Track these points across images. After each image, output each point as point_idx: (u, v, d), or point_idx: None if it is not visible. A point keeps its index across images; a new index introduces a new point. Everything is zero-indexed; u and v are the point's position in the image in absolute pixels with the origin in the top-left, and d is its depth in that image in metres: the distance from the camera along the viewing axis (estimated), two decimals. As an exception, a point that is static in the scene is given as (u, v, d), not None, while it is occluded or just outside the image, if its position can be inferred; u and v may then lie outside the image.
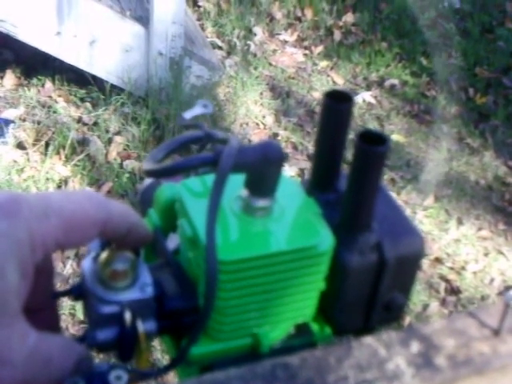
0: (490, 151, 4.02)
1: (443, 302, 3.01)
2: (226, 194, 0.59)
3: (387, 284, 0.64)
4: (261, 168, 0.59)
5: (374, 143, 0.57)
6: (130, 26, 3.59)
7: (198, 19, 4.62)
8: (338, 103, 0.62)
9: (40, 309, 0.59)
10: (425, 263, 3.13)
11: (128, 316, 0.58)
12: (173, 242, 0.68)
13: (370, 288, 0.64)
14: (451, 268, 3.18)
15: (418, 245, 0.65)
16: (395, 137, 3.99)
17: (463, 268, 3.20)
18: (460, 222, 3.46)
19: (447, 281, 3.11)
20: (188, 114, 0.70)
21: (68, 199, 0.56)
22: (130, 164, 3.30)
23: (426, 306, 2.96)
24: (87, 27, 3.50)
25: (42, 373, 0.53)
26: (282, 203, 0.63)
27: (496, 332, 0.65)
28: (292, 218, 0.63)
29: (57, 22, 3.41)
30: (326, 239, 0.61)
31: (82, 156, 3.30)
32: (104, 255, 0.59)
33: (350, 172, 0.60)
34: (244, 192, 0.62)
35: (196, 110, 0.71)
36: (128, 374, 0.54)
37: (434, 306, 2.97)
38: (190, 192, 0.64)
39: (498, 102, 4.46)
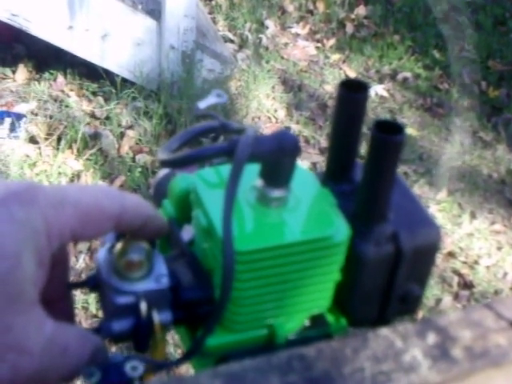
0: (503, 145, 4.00)
1: (456, 297, 3.00)
2: (240, 185, 0.58)
3: (403, 275, 0.64)
4: (276, 158, 0.59)
5: (389, 132, 0.57)
6: (142, 20, 3.59)
7: (210, 13, 4.62)
8: (353, 93, 0.62)
9: (55, 300, 0.59)
10: (438, 257, 3.11)
11: (143, 306, 0.58)
12: (187, 233, 0.68)
13: (386, 279, 0.64)
14: (464, 262, 3.17)
15: (435, 236, 0.65)
16: (408, 130, 3.97)
17: (476, 262, 3.19)
18: (473, 216, 3.45)
19: (460, 275, 3.10)
20: (202, 104, 0.70)
21: (84, 192, 0.56)
22: (142, 158, 3.30)
23: (438, 301, 2.95)
24: (99, 21, 3.50)
25: (59, 362, 0.53)
26: (297, 194, 0.63)
27: (513, 324, 0.64)
28: (307, 209, 0.63)
29: (69, 16, 3.41)
30: (341, 230, 0.61)
31: (94, 150, 3.30)
32: (119, 246, 0.59)
33: (366, 162, 0.59)
34: (259, 182, 0.61)
35: (210, 100, 0.71)
36: (144, 364, 0.54)
37: (447, 300, 2.96)
38: (205, 183, 0.63)
39: (511, 94, 4.43)
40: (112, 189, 0.59)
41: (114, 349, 2.05)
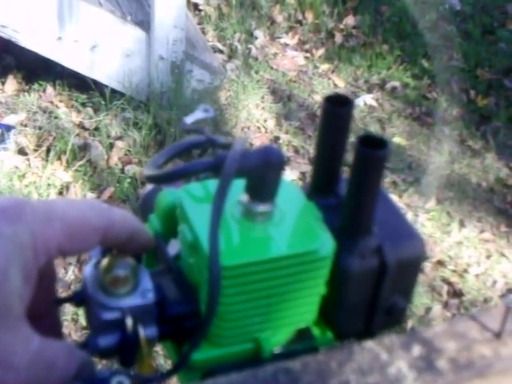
0: (492, 153, 4.01)
1: (446, 305, 3.01)
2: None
3: (388, 288, 0.64)
4: (261, 173, 0.59)
5: (374, 147, 0.57)
6: (131, 31, 3.60)
7: (199, 23, 4.62)
8: (337, 107, 0.63)
9: (42, 315, 0.60)
10: (427, 266, 3.13)
11: (129, 322, 0.58)
12: (174, 247, 0.68)
13: (371, 292, 0.64)
14: (454, 271, 3.18)
15: (419, 248, 0.65)
16: (397, 139, 3.99)
17: (465, 271, 3.19)
18: (462, 225, 3.46)
19: (450, 283, 3.11)
20: (189, 119, 0.70)
21: (71, 206, 0.56)
22: (131, 169, 3.30)
23: (428, 309, 2.96)
24: (88, 32, 3.51)
25: (45, 377, 0.53)
26: (282, 208, 0.63)
27: (497, 335, 0.65)
28: (293, 223, 0.63)
29: (58, 28, 3.42)
30: (326, 243, 0.61)
31: (83, 161, 3.30)
32: (105, 261, 0.59)
33: (350, 176, 0.60)
34: (244, 197, 0.62)
35: (197, 115, 0.71)
36: (130, 379, 0.54)
37: (437, 308, 2.97)
38: (191, 197, 0.64)
39: (500, 103, 4.45)
40: (99, 202, 0.59)
41: (104, 362, 2.04)
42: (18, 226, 0.51)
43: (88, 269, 0.60)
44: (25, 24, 3.37)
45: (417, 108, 4.37)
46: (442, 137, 4.08)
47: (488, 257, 3.30)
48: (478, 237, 3.40)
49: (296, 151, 3.72)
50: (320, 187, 0.67)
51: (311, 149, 3.72)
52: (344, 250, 0.62)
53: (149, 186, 0.77)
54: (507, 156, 4.01)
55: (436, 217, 3.45)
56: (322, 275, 0.62)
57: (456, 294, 3.07)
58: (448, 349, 0.63)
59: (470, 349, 0.64)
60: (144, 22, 3.67)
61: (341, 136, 0.65)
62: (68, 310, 2.60)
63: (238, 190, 0.62)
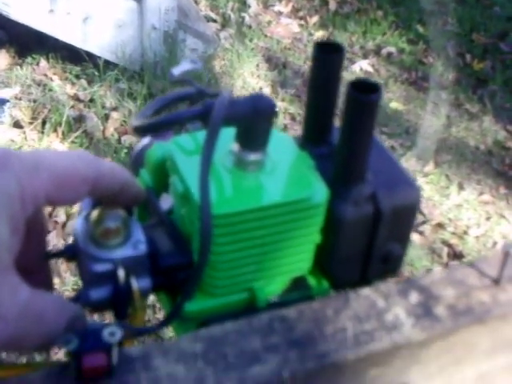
0: (489, 116, 4.00)
1: (446, 267, 3.01)
2: (216, 150, 0.58)
3: (383, 235, 0.64)
4: (251, 121, 0.58)
5: (366, 92, 0.57)
6: (123, 1, 3.56)
7: (192, -7, 4.59)
8: (328, 54, 0.62)
9: (33, 270, 0.59)
10: (427, 229, 3.13)
11: (121, 273, 0.57)
12: (166, 202, 0.67)
13: (367, 240, 0.64)
14: (453, 233, 3.18)
15: (414, 194, 0.65)
16: (393, 104, 3.97)
17: (465, 233, 3.19)
18: (461, 188, 3.46)
19: (449, 246, 3.11)
20: (177, 70, 0.69)
21: (59, 156, 0.55)
22: (127, 139, 3.28)
23: (429, 271, 2.96)
24: (80, 4, 3.47)
25: (34, 329, 0.52)
26: (274, 157, 0.63)
27: (496, 281, 0.64)
28: (285, 172, 0.63)
29: (49, 0, 3.39)
30: (319, 191, 0.61)
31: (79, 133, 3.28)
32: (95, 213, 0.59)
33: (343, 122, 0.59)
34: (235, 146, 0.61)
35: (184, 66, 0.70)
36: (122, 330, 0.54)
37: (437, 270, 2.96)
38: (181, 149, 0.63)
39: (496, 67, 4.43)
40: (87, 153, 0.58)
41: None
42: (4, 175, 0.51)
43: (79, 222, 0.60)
44: (16, -3, 3.35)
45: (413, 73, 4.35)
46: (439, 101, 4.07)
47: (488, 218, 3.30)
48: (477, 199, 3.40)
49: (293, 118, 3.71)
50: (312, 136, 0.66)
51: (308, 116, 3.70)
52: (338, 198, 0.61)
53: (139, 145, 0.77)
54: (504, 118, 4.00)
55: (435, 180, 3.44)
56: (316, 223, 0.62)
57: (456, 255, 3.07)
58: (446, 295, 0.63)
59: (468, 295, 0.63)
60: (136, -8, 3.64)
61: (332, 84, 0.64)
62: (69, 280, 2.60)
63: (229, 139, 0.61)
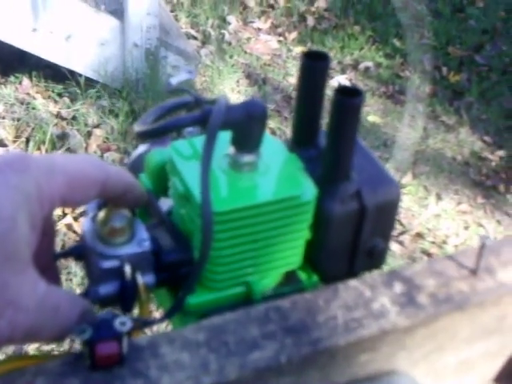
0: (466, 127, 4.07)
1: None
2: (214, 153, 0.62)
3: (368, 230, 0.68)
4: (245, 124, 0.63)
5: (350, 96, 0.62)
6: (105, 20, 3.60)
7: (172, 10, 4.64)
8: (315, 62, 0.67)
9: (43, 269, 0.62)
10: (406, 239, 3.17)
11: (128, 269, 0.61)
12: (164, 204, 0.72)
13: (353, 235, 0.68)
14: (432, 242, 3.23)
15: (395, 192, 0.69)
16: (371, 118, 4.03)
17: (444, 242, 3.25)
18: (439, 198, 3.51)
19: (429, 255, 3.15)
20: (174, 80, 0.73)
21: (70, 160, 0.59)
22: (110, 156, 3.31)
23: (410, 264, 2.98)
24: (63, 23, 3.51)
25: (51, 320, 0.56)
26: (266, 159, 0.67)
27: (473, 271, 0.69)
28: (277, 172, 0.67)
29: (32, 19, 3.42)
30: (309, 190, 0.66)
31: (62, 150, 3.31)
32: (102, 214, 0.63)
33: (329, 125, 0.64)
34: (231, 149, 0.66)
35: (181, 76, 0.75)
36: (132, 320, 0.58)
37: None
38: (179, 153, 0.67)
39: (472, 79, 4.51)
40: (96, 158, 0.63)
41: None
42: (24, 176, 0.55)
43: (86, 223, 0.64)
44: (-2, 16, 3.38)
45: (390, 86, 4.41)
46: (416, 113, 4.13)
47: (466, 228, 3.36)
48: (455, 209, 3.46)
49: (273, 133, 3.75)
50: (301, 140, 0.71)
51: (288, 130, 3.75)
52: (325, 196, 0.66)
53: (136, 152, 0.81)
54: (481, 130, 4.07)
55: (413, 191, 3.50)
56: (306, 219, 0.66)
57: (436, 264, 3.12)
58: (427, 285, 0.67)
59: (448, 285, 0.68)
60: (117, 11, 3.68)
61: (318, 90, 0.69)
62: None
63: (223, 145, 0.66)
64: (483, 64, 4.68)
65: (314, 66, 0.67)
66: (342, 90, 0.62)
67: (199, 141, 0.67)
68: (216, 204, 0.61)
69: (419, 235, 3.24)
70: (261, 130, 0.64)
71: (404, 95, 4.32)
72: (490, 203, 3.53)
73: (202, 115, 0.62)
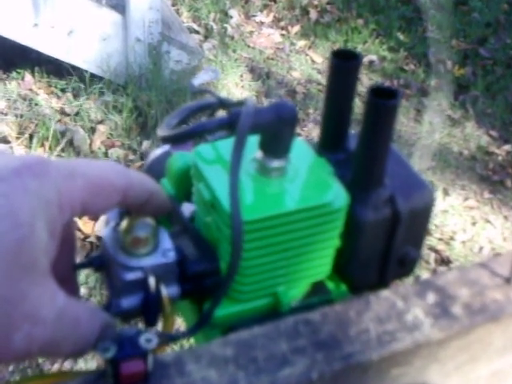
0: (472, 122, 4.04)
1: (434, 273, 3.04)
2: None
3: (401, 238, 0.66)
4: (275, 128, 0.60)
5: (384, 97, 0.58)
6: (107, 14, 3.58)
7: (173, 5, 4.61)
8: (345, 62, 0.63)
9: (62, 280, 0.60)
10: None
11: (152, 281, 0.59)
12: (187, 210, 0.69)
13: (385, 242, 0.66)
14: (440, 239, 3.21)
15: (429, 197, 0.67)
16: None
17: (452, 238, 3.22)
18: (446, 193, 3.49)
19: (437, 251, 3.13)
20: (197, 81, 0.71)
21: (92, 165, 0.57)
22: (114, 152, 3.29)
23: (417, 278, 2.98)
24: (64, 18, 3.48)
25: (71, 334, 0.53)
26: (295, 164, 0.64)
27: (508, 280, 0.66)
28: (306, 178, 0.64)
29: (34, 14, 3.39)
30: (340, 196, 0.63)
31: (66, 146, 3.29)
32: (125, 223, 0.60)
33: (362, 128, 0.61)
34: (259, 153, 0.63)
35: (204, 77, 0.72)
36: (157, 337, 0.55)
37: (426, 276, 2.99)
38: (204, 158, 0.64)
39: (477, 72, 4.49)
40: (118, 164, 0.60)
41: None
42: (43, 181, 0.52)
43: (107, 232, 0.61)
44: (0, 12, 3.35)
45: (395, 80, 4.39)
46: (422, 108, 4.11)
47: (473, 224, 3.33)
48: (462, 204, 3.43)
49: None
50: (329, 143, 0.68)
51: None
52: (357, 202, 0.63)
53: (152, 154, 0.78)
54: (487, 124, 4.04)
55: (420, 186, 3.47)
56: (337, 227, 0.64)
57: (444, 261, 3.10)
58: (461, 295, 0.65)
59: (482, 294, 0.65)
60: (119, 5, 3.65)
61: (348, 91, 0.66)
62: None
63: (250, 148, 0.63)
64: (487, 57, 4.65)
65: (344, 66, 0.64)
66: (376, 91, 0.59)
67: (224, 144, 0.64)
68: (244, 212, 0.58)
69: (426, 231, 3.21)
70: (291, 134, 0.61)
71: (409, 89, 4.29)
72: (496, 198, 3.51)
73: (230, 119, 0.59)
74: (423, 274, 3.00)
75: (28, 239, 0.49)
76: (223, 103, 0.69)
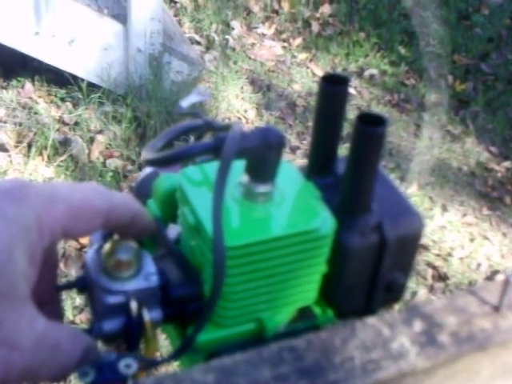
0: (472, 137, 4.04)
1: (431, 289, 3.03)
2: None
3: (388, 264, 0.65)
4: (261, 153, 0.59)
5: (372, 124, 0.58)
6: (109, 24, 3.58)
7: (175, 15, 4.61)
8: (333, 86, 0.63)
9: (45, 301, 0.59)
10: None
11: (134, 305, 0.58)
12: (173, 232, 0.68)
13: (372, 269, 0.65)
14: (438, 255, 3.20)
15: (417, 224, 0.66)
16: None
17: (450, 254, 3.22)
18: (444, 209, 3.48)
19: (434, 267, 3.13)
20: (185, 103, 0.70)
21: (73, 189, 0.56)
22: (112, 163, 3.29)
23: (414, 294, 2.97)
24: (65, 27, 3.49)
25: (50, 359, 0.53)
26: (281, 188, 0.64)
27: (496, 308, 0.66)
28: (293, 202, 0.64)
29: (35, 23, 3.40)
30: (326, 222, 0.62)
31: (64, 156, 3.28)
32: (107, 246, 0.59)
33: (350, 154, 0.60)
34: (245, 178, 0.62)
35: (192, 98, 0.71)
36: (137, 362, 0.55)
37: (423, 293, 2.98)
38: (190, 181, 0.64)
39: (478, 88, 4.48)
40: (100, 186, 0.59)
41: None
42: (22, 206, 0.51)
43: (90, 254, 0.60)
44: (1, 20, 3.35)
45: (395, 95, 4.39)
46: (422, 122, 4.11)
47: (471, 240, 3.33)
48: (460, 220, 3.43)
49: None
50: (317, 167, 0.68)
51: (292, 138, 3.73)
52: (344, 228, 0.62)
53: (142, 173, 0.77)
54: (487, 140, 4.04)
55: (418, 202, 3.47)
56: (323, 253, 0.63)
57: (441, 277, 3.09)
58: (448, 323, 0.64)
59: (470, 323, 0.64)
60: (120, 15, 3.66)
61: (337, 115, 0.65)
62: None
63: (236, 172, 0.62)
64: (489, 73, 4.65)
65: (333, 91, 0.63)
66: (364, 117, 0.58)
67: (212, 167, 0.64)
68: (228, 238, 0.57)
69: (424, 247, 3.21)
70: (277, 159, 0.61)
71: (409, 104, 4.29)
72: (495, 215, 3.50)
73: (215, 143, 0.58)
74: (420, 289, 3.00)
75: (5, 266, 0.49)
76: (210, 126, 0.69)
